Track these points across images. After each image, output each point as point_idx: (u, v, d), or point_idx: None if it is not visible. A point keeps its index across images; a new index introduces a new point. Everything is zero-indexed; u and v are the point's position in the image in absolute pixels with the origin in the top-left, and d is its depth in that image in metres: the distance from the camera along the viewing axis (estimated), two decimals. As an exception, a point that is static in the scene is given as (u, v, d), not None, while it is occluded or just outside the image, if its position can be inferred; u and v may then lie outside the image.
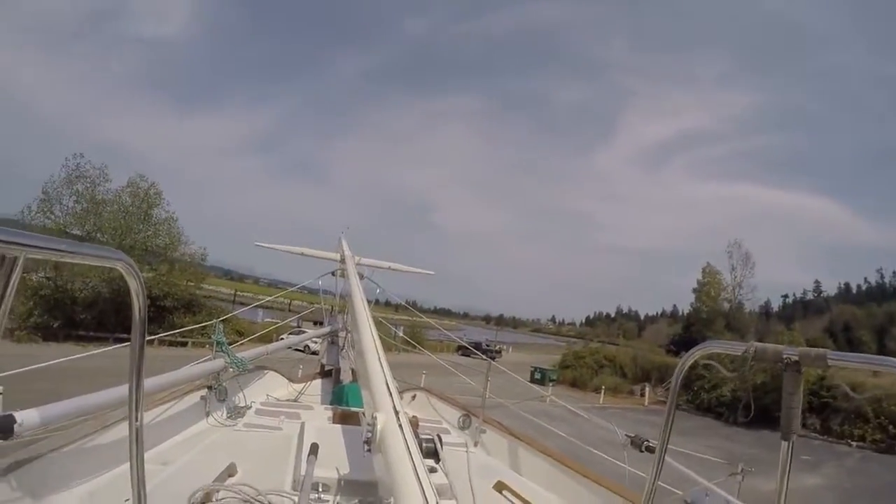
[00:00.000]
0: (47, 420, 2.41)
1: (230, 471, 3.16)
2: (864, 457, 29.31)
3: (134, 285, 1.43)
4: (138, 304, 1.47)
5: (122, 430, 3.55)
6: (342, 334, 8.35)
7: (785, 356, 1.59)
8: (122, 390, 3.18)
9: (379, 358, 3.01)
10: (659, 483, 2.13)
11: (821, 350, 1.53)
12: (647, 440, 3.56)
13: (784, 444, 1.69)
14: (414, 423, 2.27)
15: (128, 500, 2.67)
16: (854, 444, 31.97)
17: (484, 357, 6.30)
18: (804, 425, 34.44)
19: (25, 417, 2.23)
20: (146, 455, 3.61)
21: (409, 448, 2.00)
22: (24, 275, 32.60)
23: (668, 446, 2.12)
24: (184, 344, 29.40)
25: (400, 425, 2.15)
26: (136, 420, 1.61)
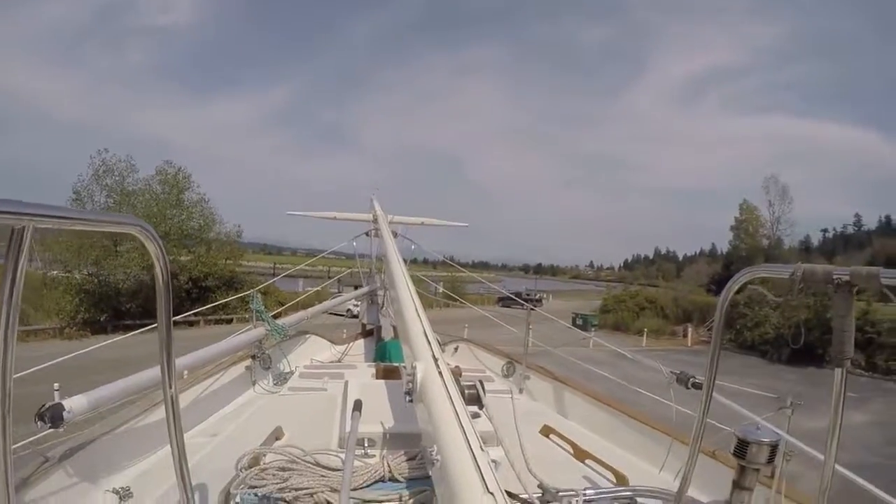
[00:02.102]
0: (95, 404, 2.46)
1: (277, 434, 3.21)
2: None
3: (153, 249, 1.39)
4: (160, 267, 1.44)
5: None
6: (380, 293, 8.43)
7: (835, 276, 1.49)
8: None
9: (416, 310, 2.98)
10: (707, 420, 2.13)
11: (873, 268, 1.43)
12: (694, 376, 3.53)
13: (837, 370, 1.61)
14: (457, 372, 2.25)
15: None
16: (901, 379, 31.40)
17: (525, 306, 6.30)
18: (850, 362, 33.26)
19: (74, 404, 2.28)
20: (196, 429, 3.77)
21: (450, 395, 1.98)
22: (67, 273, 33.52)
23: (716, 382, 2.09)
24: (228, 321, 29.98)
25: (440, 372, 2.14)
26: (171, 387, 1.57)
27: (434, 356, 2.26)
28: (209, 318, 31.79)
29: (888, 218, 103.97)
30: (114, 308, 34.37)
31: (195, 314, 32.42)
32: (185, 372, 4.10)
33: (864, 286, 1.47)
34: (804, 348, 34.09)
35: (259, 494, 2.24)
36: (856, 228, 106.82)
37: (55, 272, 34.44)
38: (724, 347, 2.08)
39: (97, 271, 34.44)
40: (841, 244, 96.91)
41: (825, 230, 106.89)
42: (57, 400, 2.22)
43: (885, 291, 1.45)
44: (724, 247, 78.01)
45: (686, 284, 62.96)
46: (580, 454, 3.32)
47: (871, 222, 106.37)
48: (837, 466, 1.78)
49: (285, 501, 2.23)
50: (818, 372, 31.30)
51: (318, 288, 14.12)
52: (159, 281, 1.46)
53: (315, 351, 6.60)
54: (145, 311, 33.66)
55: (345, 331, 8.48)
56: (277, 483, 2.27)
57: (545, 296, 73.36)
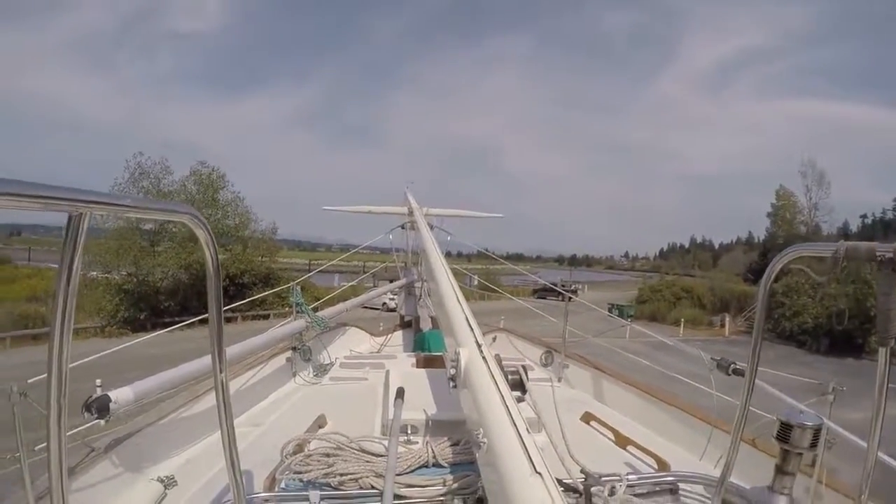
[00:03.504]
0: (140, 395, 2.52)
1: (320, 422, 3.24)
2: None
3: (203, 236, 1.39)
4: (209, 253, 1.44)
5: (212, 399, 3.75)
6: (418, 285, 8.46)
7: (878, 253, 1.44)
8: (208, 359, 3.36)
9: (457, 298, 2.98)
10: (749, 407, 2.11)
11: None
12: (734, 363, 3.49)
13: (882, 350, 1.57)
14: (497, 360, 2.25)
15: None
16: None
17: (560, 298, 6.30)
18: (891, 352, 32.31)
19: (119, 395, 2.34)
20: (239, 419, 3.84)
21: (494, 379, 1.97)
22: (107, 275, 34.14)
23: (758, 368, 2.07)
24: (265, 316, 30.43)
25: (484, 358, 2.13)
26: (221, 372, 1.58)
27: (478, 342, 2.26)
28: (247, 314, 32.23)
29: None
30: (152, 306, 34.99)
31: (232, 310, 33.00)
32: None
33: None
34: (843, 338, 33.45)
35: (304, 480, 2.29)
36: (895, 213, 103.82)
37: (94, 273, 35.12)
38: (763, 337, 2.06)
39: (136, 271, 35.08)
40: (881, 229, 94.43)
41: (864, 215, 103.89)
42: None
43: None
44: (761, 234, 76.88)
45: (723, 273, 62.09)
46: (621, 441, 3.31)
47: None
48: (880, 454, 1.76)
49: (330, 486, 2.27)
50: (857, 363, 30.90)
51: (354, 282, 14.17)
52: (210, 267, 1.46)
53: (355, 342, 6.67)
54: (183, 308, 34.27)
55: (381, 324, 8.55)
56: (323, 469, 2.31)
57: (581, 286, 72.82)
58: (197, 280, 35.56)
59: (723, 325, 42.03)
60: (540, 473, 1.48)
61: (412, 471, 2.40)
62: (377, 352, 6.53)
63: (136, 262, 34.86)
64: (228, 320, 31.99)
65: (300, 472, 2.31)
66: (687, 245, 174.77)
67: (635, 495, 2.34)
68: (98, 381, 2.45)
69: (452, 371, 2.24)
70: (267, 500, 2.24)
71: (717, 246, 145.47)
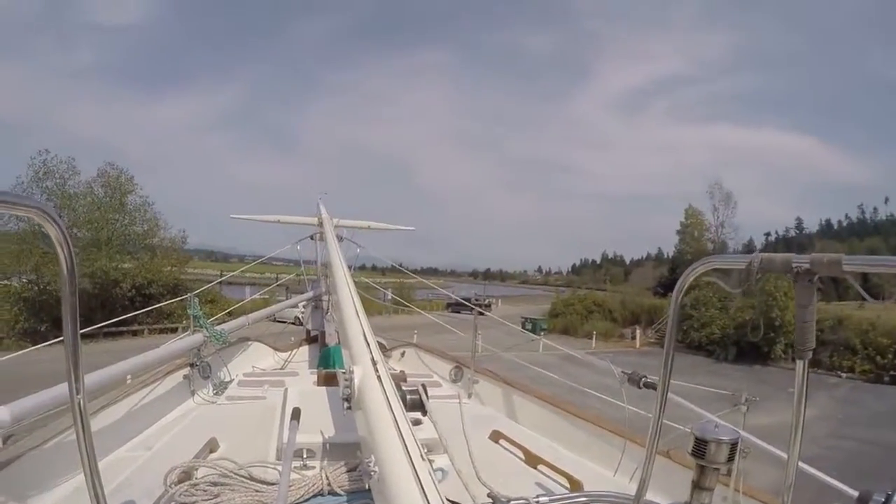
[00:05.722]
0: (19, 416, 2.28)
1: (211, 446, 3.06)
2: (855, 387, 30.34)
3: (55, 233, 1.22)
4: (63, 254, 1.26)
5: (105, 418, 3.43)
6: (325, 298, 8.19)
7: (795, 264, 1.42)
8: (95, 376, 3.05)
9: (356, 312, 2.86)
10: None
11: (835, 255, 1.36)
12: (645, 376, 3.48)
13: (799, 362, 1.55)
14: (401, 377, 2.11)
15: (112, 487, 2.58)
16: (844, 375, 33.09)
17: (473, 312, 6.21)
18: (794, 359, 34.95)
19: None
20: (131, 442, 3.56)
21: (388, 401, 1.86)
22: (6, 281, 32.13)
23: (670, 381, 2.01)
24: (174, 329, 29.18)
25: (378, 377, 2.01)
26: (78, 394, 1.40)
27: (373, 359, 2.13)
28: (154, 327, 30.99)
29: (828, 221, 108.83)
30: (54, 318, 32.79)
31: (138, 322, 31.91)
32: (129, 377, 3.88)
33: (825, 273, 1.39)
34: (749, 347, 35.47)
35: None
36: (797, 231, 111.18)
37: (-8, 280, 33.06)
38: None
39: (37, 278, 33.12)
40: (784, 247, 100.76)
41: (768, 233, 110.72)
42: None
43: (846, 278, 1.40)
44: (670, 251, 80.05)
45: (633, 287, 64.39)
46: (532, 460, 3.23)
47: (811, 225, 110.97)
48: (800, 463, 1.71)
49: None
50: (763, 369, 33.09)
51: (266, 296, 13.72)
52: (63, 270, 1.28)
53: (257, 358, 6.35)
54: (88, 320, 32.20)
55: (293, 338, 8.25)
56: (208, 500, 2.08)
57: (494, 301, 73.78)
58: (102, 290, 33.84)
59: (634, 338, 43.60)
60: None
61: (305, 500, 2.21)
62: (280, 368, 6.23)
63: (36, 269, 32.79)
64: (134, 334, 30.74)
65: None
66: (599, 261, 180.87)
67: None
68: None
69: (347, 391, 2.10)
70: None
71: (628, 262, 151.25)
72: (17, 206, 1.14)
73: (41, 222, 1.19)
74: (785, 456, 1.65)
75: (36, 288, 33.25)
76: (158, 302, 35.11)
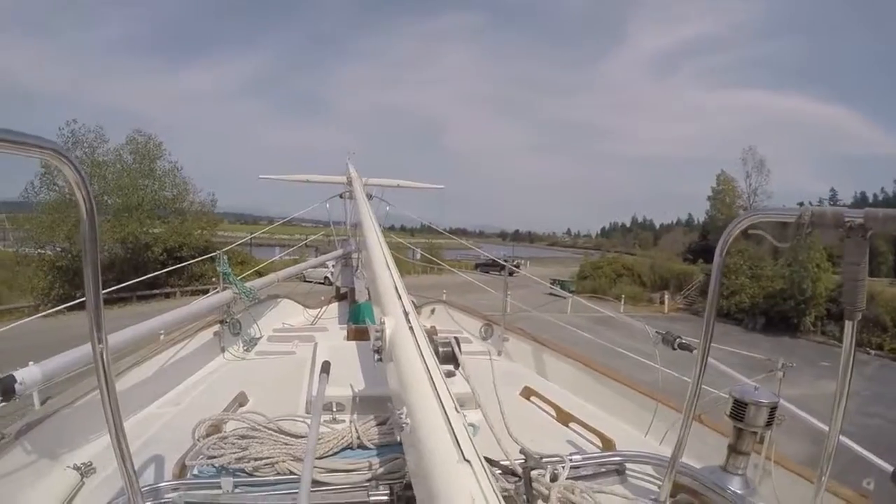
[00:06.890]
0: (50, 374, 2.31)
1: (240, 400, 3.08)
2: (883, 365, 29.57)
3: (71, 175, 1.18)
4: (81, 196, 1.22)
5: (136, 376, 3.49)
6: (355, 255, 8.22)
7: (847, 219, 1.35)
8: (125, 333, 3.09)
9: (387, 264, 2.81)
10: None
11: (891, 210, 1.28)
12: (680, 337, 3.41)
13: (848, 323, 1.48)
14: (432, 332, 2.04)
15: (141, 441, 2.62)
16: (872, 352, 32.33)
17: (504, 269, 6.16)
18: (823, 332, 35.08)
19: (26, 375, 2.14)
20: (162, 399, 3.62)
21: (421, 352, 1.79)
22: (40, 250, 32.76)
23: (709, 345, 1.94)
24: (206, 291, 29.59)
25: (411, 328, 1.95)
26: (100, 343, 1.37)
27: (405, 311, 2.07)
28: (185, 288, 31.28)
29: (863, 194, 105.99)
30: (88, 283, 33.62)
31: (169, 284, 32.33)
32: (161, 335, 3.97)
33: (879, 230, 1.33)
34: (779, 318, 34.99)
35: (217, 465, 2.06)
36: (832, 203, 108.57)
37: (26, 249, 33.69)
38: (700, 315, 1.93)
39: (70, 247, 33.39)
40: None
41: (801, 203, 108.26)
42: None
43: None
44: (700, 216, 78.88)
45: (663, 252, 63.57)
46: (563, 417, 3.20)
47: (846, 198, 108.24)
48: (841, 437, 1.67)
49: (245, 472, 2.05)
50: (792, 341, 32.82)
51: (296, 256, 13.76)
52: (82, 212, 1.23)
53: (287, 315, 6.42)
54: (120, 282, 33.01)
55: (322, 297, 8.30)
56: (236, 452, 2.08)
57: (523, 262, 73.51)
58: (133, 253, 34.33)
59: (662, 302, 43.16)
60: (469, 461, 1.27)
61: (335, 453, 2.19)
62: (310, 324, 6.27)
63: (69, 238, 33.09)
64: (167, 295, 31.18)
65: (213, 457, 2.08)
66: (628, 224, 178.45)
67: (579, 477, 2.19)
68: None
69: (378, 343, 2.05)
70: (175, 489, 2.01)
71: (657, 226, 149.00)
72: (27, 146, 1.08)
73: (58, 165, 1.16)
74: (819, 426, 1.59)
75: (70, 255, 33.58)
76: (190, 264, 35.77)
